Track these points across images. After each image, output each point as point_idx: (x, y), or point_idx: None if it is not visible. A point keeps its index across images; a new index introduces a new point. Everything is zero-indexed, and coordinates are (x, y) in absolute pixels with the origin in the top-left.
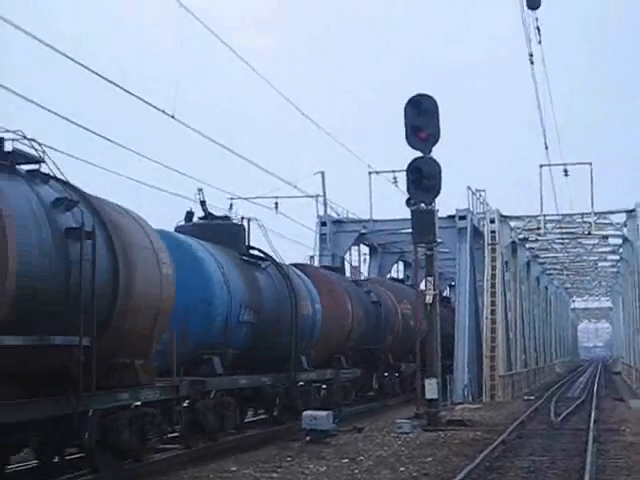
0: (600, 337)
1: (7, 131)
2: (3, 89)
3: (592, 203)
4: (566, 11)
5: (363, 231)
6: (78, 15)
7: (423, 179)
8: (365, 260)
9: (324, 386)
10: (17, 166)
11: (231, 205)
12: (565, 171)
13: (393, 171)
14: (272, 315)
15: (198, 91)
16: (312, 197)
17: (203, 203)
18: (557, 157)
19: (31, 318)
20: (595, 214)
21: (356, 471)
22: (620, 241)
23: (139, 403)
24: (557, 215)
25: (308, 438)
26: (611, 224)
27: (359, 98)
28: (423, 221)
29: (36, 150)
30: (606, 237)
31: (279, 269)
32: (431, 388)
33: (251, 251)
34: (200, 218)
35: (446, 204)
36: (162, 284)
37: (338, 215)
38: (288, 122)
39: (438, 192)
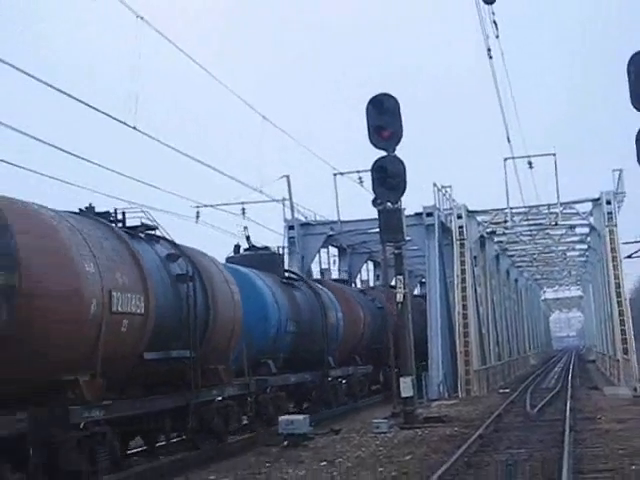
0: (572, 326)
1: (133, 205)
2: None
3: (558, 194)
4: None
5: (331, 233)
6: (34, 27)
7: (388, 178)
8: (334, 262)
9: (344, 381)
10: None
11: (198, 213)
12: (529, 163)
13: (358, 171)
14: (308, 325)
15: (158, 101)
16: (278, 201)
17: (248, 238)
18: (521, 150)
19: (159, 340)
20: (561, 204)
21: (335, 473)
22: (587, 230)
23: (221, 398)
24: (523, 207)
25: (286, 443)
26: (577, 214)
27: (321, 100)
28: (390, 220)
29: (149, 220)
30: (573, 227)
31: (310, 287)
32: (406, 386)
33: (286, 274)
34: (245, 249)
35: (413, 202)
36: (234, 308)
37: (306, 218)
38: (250, 127)
39: (403, 190)
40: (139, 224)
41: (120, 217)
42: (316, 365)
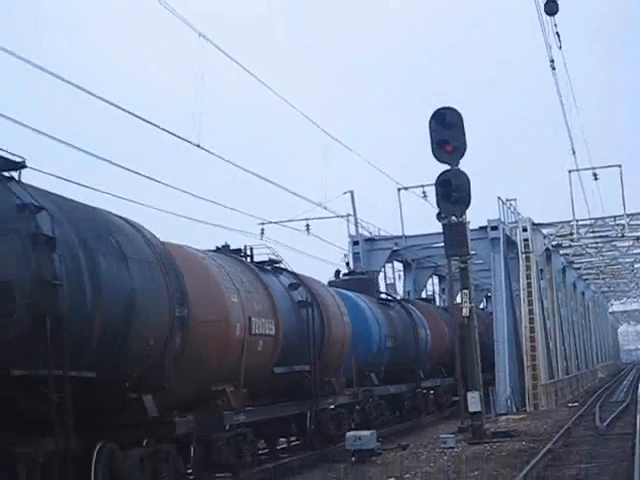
0: None
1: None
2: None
3: (624, 205)
4: (588, 13)
5: (395, 248)
6: (98, 51)
7: (452, 192)
8: (400, 276)
9: (432, 391)
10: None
11: (262, 230)
12: (594, 175)
13: (422, 186)
14: (402, 341)
15: (222, 118)
16: (343, 217)
17: (348, 264)
18: (585, 161)
19: (285, 356)
20: (627, 216)
21: None
22: None
23: (333, 406)
24: (589, 219)
25: (353, 459)
26: None
27: (385, 114)
28: (455, 234)
29: (274, 255)
30: None
31: (402, 306)
32: (474, 401)
33: (382, 295)
34: (344, 274)
35: (477, 215)
36: (344, 328)
37: (370, 234)
38: (313, 143)
39: (468, 204)
40: (267, 259)
41: (249, 253)
42: (408, 377)
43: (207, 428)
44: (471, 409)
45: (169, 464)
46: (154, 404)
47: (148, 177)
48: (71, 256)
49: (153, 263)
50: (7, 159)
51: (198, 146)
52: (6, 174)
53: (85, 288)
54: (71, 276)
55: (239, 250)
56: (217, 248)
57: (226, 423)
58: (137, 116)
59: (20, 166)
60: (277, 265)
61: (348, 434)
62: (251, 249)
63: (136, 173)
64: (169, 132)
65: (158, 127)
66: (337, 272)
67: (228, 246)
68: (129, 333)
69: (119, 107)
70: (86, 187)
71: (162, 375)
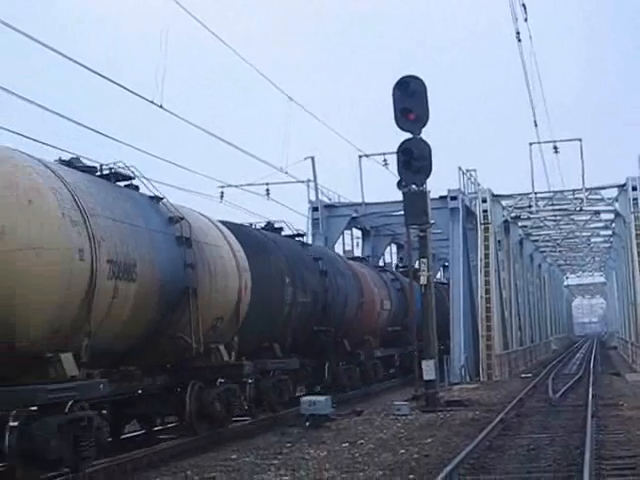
0: (595, 312)
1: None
2: None
3: (583, 179)
4: None
5: (355, 215)
6: (61, 7)
7: (413, 160)
8: (358, 244)
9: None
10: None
11: (222, 193)
12: (555, 148)
13: (383, 154)
14: None
15: (185, 80)
16: (303, 182)
17: (402, 259)
18: (547, 134)
19: (393, 321)
20: (586, 190)
21: (357, 455)
22: (612, 216)
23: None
24: (548, 192)
25: (307, 423)
26: (603, 199)
27: (348, 81)
28: (415, 203)
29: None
30: (598, 212)
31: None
32: (428, 369)
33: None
34: (398, 266)
35: (438, 185)
36: (415, 304)
37: (330, 200)
38: (276, 108)
39: (429, 173)
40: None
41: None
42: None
43: (367, 358)
44: (426, 377)
45: (354, 373)
46: (348, 344)
47: (106, 135)
48: (329, 278)
49: (350, 275)
50: (301, 233)
51: (161, 107)
52: (302, 239)
53: (335, 292)
54: (331, 287)
55: (364, 258)
56: (354, 257)
57: (374, 355)
58: (99, 74)
59: (304, 234)
60: (384, 267)
61: (303, 399)
62: (369, 257)
63: (95, 131)
64: (131, 91)
65: (121, 86)
66: (397, 266)
67: (351, 252)
68: (345, 311)
69: (84, 65)
70: (43, 143)
71: (353, 331)
